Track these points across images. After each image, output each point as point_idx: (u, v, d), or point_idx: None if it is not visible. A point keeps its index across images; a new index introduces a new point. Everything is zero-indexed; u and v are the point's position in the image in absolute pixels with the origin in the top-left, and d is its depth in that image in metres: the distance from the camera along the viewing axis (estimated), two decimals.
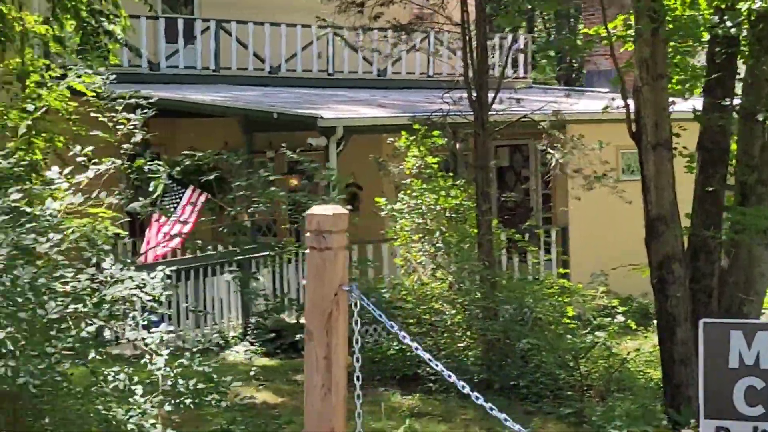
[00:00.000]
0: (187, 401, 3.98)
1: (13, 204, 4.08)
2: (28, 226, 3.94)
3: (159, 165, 5.99)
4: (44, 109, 6.45)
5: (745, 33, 6.30)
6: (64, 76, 6.83)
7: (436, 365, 2.59)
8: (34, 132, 6.49)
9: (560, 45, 8.06)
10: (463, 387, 2.48)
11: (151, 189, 6.42)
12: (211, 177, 6.48)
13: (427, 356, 2.47)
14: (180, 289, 7.47)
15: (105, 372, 3.94)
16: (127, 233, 6.00)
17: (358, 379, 2.22)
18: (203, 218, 7.05)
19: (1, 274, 3.67)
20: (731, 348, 2.75)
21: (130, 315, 4.18)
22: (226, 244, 7.50)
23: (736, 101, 6.51)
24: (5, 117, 6.29)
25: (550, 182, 9.15)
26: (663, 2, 6.21)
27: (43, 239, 3.88)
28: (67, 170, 4.41)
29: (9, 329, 3.47)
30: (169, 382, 4.00)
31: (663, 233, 6.22)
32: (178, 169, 6.76)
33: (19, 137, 6.23)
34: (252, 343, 7.56)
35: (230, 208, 6.66)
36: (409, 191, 7.77)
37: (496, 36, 10.70)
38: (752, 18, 6.30)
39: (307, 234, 2.24)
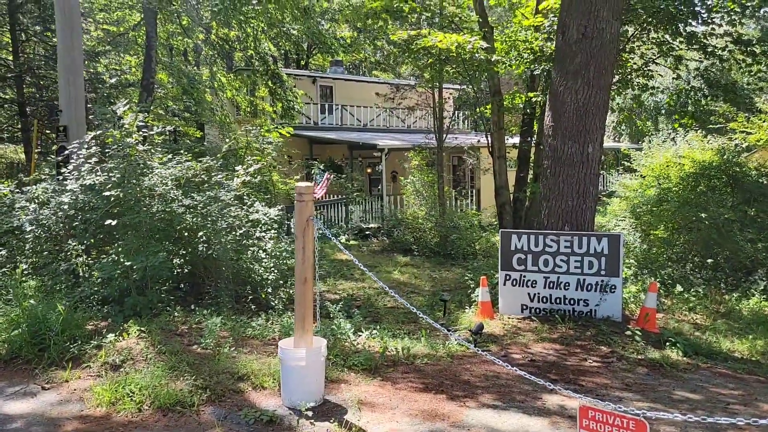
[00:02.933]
0: (280, 263, 7.34)
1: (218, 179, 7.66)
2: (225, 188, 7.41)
3: (315, 163, 17.10)
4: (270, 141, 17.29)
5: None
6: (276, 127, 17.95)
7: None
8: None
9: (470, 116, 18.63)
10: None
11: (313, 172, 17.55)
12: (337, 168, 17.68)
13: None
14: (323, 211, 18.38)
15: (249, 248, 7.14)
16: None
17: (315, 256, 4.15)
18: (332, 184, 17.93)
19: (205, 207, 6.73)
20: (512, 241, 7.31)
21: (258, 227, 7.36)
22: (342, 194, 18.35)
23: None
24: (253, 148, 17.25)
25: (473, 171, 19.75)
26: (502, 96, 16.11)
27: (230, 194, 7.22)
28: (245, 166, 10.02)
29: (204, 231, 6.58)
30: (274, 254, 7.34)
31: (502, 193, 15.70)
32: (323, 164, 17.66)
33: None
34: (348, 235, 18.30)
35: (342, 181, 17.53)
36: (413, 175, 18.28)
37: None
38: (541, 103, 15.71)
39: (295, 194, 4.11)
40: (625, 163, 20.08)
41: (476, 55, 11.84)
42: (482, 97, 17.20)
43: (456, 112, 19.11)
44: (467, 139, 19.24)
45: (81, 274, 6.67)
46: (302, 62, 32.08)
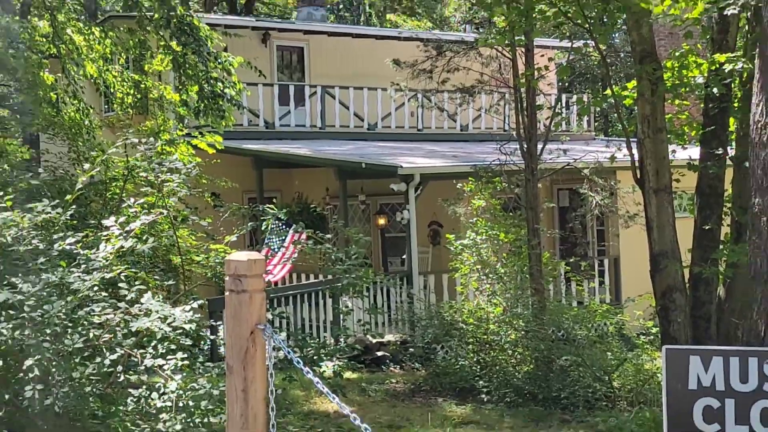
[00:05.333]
0: (197, 420, 4.61)
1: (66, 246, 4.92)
2: (82, 266, 4.80)
3: (269, 208, 8.18)
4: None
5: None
6: (188, 135, 9.08)
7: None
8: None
9: (593, 104, 9.70)
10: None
11: (264, 228, 8.57)
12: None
13: None
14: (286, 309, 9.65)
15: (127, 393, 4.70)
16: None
17: (272, 410, 2.43)
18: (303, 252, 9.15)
19: (34, 309, 4.39)
20: (689, 369, 3.29)
21: (151, 345, 4.78)
22: (325, 274, 9.54)
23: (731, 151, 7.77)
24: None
25: (603, 220, 10.62)
26: (660, 65, 7.52)
27: (88, 277, 4.65)
28: (122, 219, 5.34)
29: (37, 357, 4.07)
30: (181, 404, 4.65)
31: (665, 267, 7.30)
32: (284, 211, 8.84)
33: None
34: (339, 359, 9.53)
35: (327, 245, 8.69)
36: (475, 227, 9.45)
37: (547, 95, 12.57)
38: (743, 77, 7.33)
39: (226, 278, 2.44)
40: None
41: None
42: (619, 63, 8.99)
43: (562, 96, 10.19)
44: (588, 152, 10.01)
45: None
46: (241, 0, 21.54)
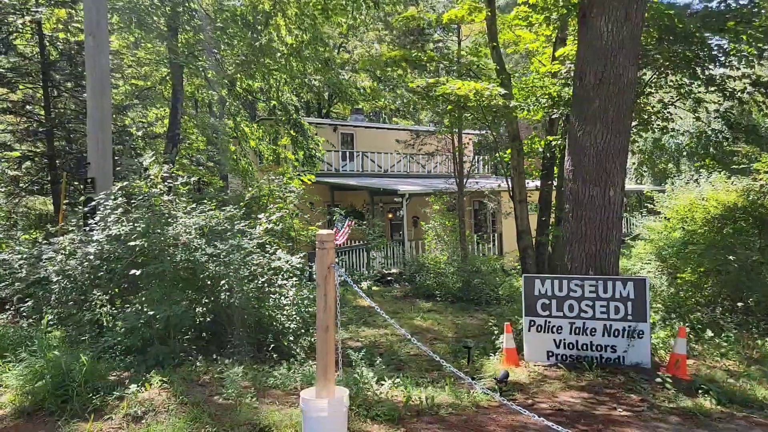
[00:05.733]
0: (302, 309, 7.10)
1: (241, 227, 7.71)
2: (248, 237, 7.50)
3: (336, 210, 17.20)
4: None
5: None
6: (298, 175, 18.10)
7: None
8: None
9: (491, 161, 18.67)
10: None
11: (334, 219, 17.64)
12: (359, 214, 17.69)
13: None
14: (344, 258, 18.40)
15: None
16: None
17: (338, 304, 4.05)
18: (353, 230, 17.96)
19: (227, 255, 6.71)
20: (535, 286, 7.03)
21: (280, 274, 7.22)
22: (363, 241, 18.37)
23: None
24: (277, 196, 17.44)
25: (495, 215, 19.70)
26: (521, 142, 16.09)
27: (251, 242, 7.30)
28: (267, 215, 9.07)
29: (227, 279, 6.48)
30: (295, 302, 7.17)
31: (524, 237, 15.38)
32: (344, 211, 17.70)
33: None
34: (370, 280, 18.20)
35: (364, 226, 17.57)
36: (434, 219, 18.27)
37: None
38: (561, 147, 15.67)
39: (316, 242, 4.07)
40: (649, 205, 19.84)
41: (494, 101, 11.98)
42: (502, 141, 17.30)
43: (476, 156, 19.25)
44: (488, 183, 19.29)
45: (105, 324, 6.72)
46: (324, 110, 32.74)
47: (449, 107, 12.90)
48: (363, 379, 5.56)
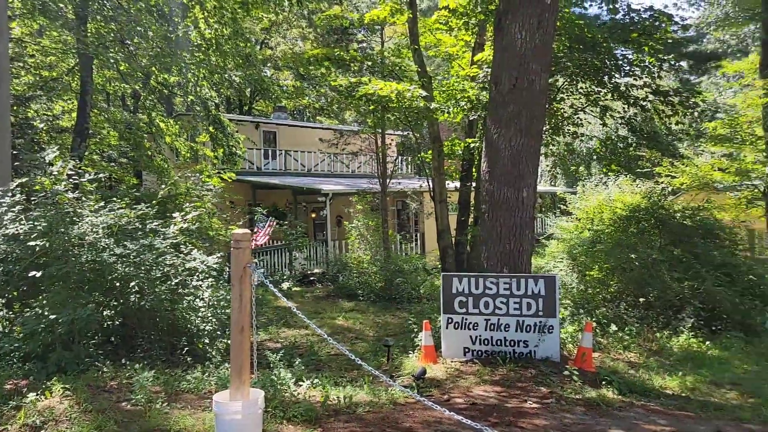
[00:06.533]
0: (218, 311, 7.16)
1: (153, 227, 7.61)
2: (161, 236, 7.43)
3: (258, 209, 16.89)
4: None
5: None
6: (218, 173, 17.64)
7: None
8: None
9: (414, 161, 19.08)
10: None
11: (256, 218, 17.27)
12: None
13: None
14: (266, 258, 18.11)
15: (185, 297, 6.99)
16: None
17: (254, 305, 3.98)
18: (275, 230, 17.71)
19: (138, 256, 6.60)
20: (453, 284, 7.27)
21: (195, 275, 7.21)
22: (285, 241, 18.14)
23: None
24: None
25: (417, 214, 20.09)
26: (442, 144, 16.50)
27: (165, 242, 7.12)
28: (183, 213, 8.50)
29: (137, 281, 6.33)
30: (211, 303, 7.12)
31: (444, 237, 15.87)
32: (265, 210, 17.43)
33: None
34: (291, 281, 18.02)
35: (285, 227, 17.37)
36: (358, 219, 18.33)
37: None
38: (479, 149, 16.29)
39: (232, 241, 4.03)
40: (562, 206, 20.77)
41: (416, 102, 12.16)
42: (423, 143, 17.62)
43: (399, 157, 19.48)
44: (410, 184, 19.56)
45: (1, 329, 6.27)
46: (245, 107, 32.03)
47: (371, 107, 12.96)
48: (280, 380, 5.49)
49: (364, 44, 23.72)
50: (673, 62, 10.82)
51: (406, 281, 16.04)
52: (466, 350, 7.26)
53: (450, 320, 7.33)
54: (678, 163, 17.00)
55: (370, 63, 14.47)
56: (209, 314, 7.11)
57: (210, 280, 7.50)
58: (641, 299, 9.87)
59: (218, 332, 7.10)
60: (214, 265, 7.64)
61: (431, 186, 15.46)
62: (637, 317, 9.44)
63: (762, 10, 17.98)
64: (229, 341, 6.64)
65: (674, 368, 7.26)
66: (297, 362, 6.90)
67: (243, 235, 4.06)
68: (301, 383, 5.74)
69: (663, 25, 10.11)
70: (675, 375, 6.94)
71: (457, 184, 16.20)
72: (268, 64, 26.38)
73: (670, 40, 10.15)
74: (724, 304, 9.25)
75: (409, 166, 24.21)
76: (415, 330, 8.79)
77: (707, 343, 8.42)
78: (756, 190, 17.04)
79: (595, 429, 4.86)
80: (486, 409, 5.32)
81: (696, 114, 11.44)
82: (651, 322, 9.26)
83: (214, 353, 6.76)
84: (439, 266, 17.28)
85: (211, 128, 17.09)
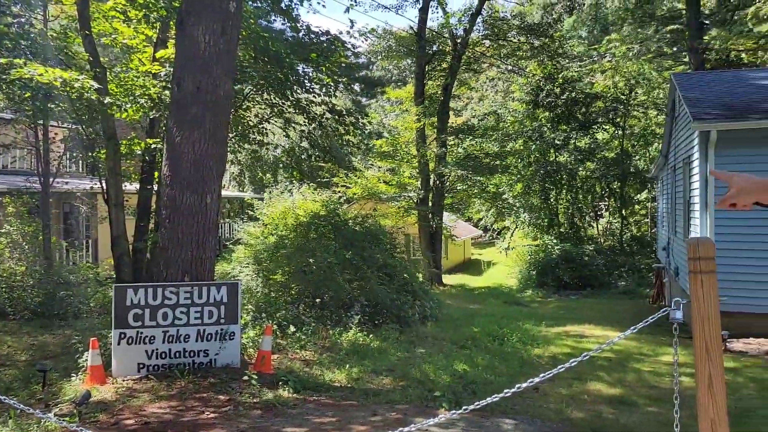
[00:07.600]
0: None
1: None
2: None
3: None
4: None
5: None
6: None
7: None
8: None
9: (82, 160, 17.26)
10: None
11: None
12: None
13: None
14: None
15: None
16: None
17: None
18: None
19: None
20: (127, 296, 6.71)
21: None
22: None
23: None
24: None
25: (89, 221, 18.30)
26: (118, 141, 15.28)
27: None
28: None
29: None
30: None
31: (119, 243, 14.60)
32: None
33: None
34: None
35: None
36: (12, 224, 15.51)
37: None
38: (162, 153, 15.55)
39: None
40: (249, 211, 21.13)
41: (87, 94, 10.90)
42: (99, 139, 15.91)
43: (67, 153, 17.15)
44: (81, 184, 17.32)
45: None
46: None
47: (27, 95, 11.17)
48: None
49: (23, 20, 20.25)
50: (347, 84, 11.97)
51: (72, 294, 14.31)
52: (141, 366, 6.77)
53: (123, 335, 6.74)
54: (352, 175, 18.96)
55: (27, 43, 12.44)
56: None
57: None
58: (318, 300, 10.62)
59: None
60: None
61: (105, 188, 14.08)
62: (313, 317, 10.12)
63: (416, 48, 21.27)
64: None
65: (343, 362, 7.98)
66: None
67: None
68: None
69: (338, 49, 11.12)
70: (343, 368, 7.63)
71: (137, 186, 15.10)
72: None
73: (344, 64, 11.22)
74: (384, 300, 10.58)
75: (81, 165, 21.53)
76: (80, 349, 7.84)
77: (371, 336, 9.49)
78: (411, 201, 20.03)
79: (270, 430, 5.01)
80: (159, 427, 5.02)
81: (366, 132, 12.88)
82: (326, 321, 10.03)
83: None
84: (114, 276, 15.95)
85: None
